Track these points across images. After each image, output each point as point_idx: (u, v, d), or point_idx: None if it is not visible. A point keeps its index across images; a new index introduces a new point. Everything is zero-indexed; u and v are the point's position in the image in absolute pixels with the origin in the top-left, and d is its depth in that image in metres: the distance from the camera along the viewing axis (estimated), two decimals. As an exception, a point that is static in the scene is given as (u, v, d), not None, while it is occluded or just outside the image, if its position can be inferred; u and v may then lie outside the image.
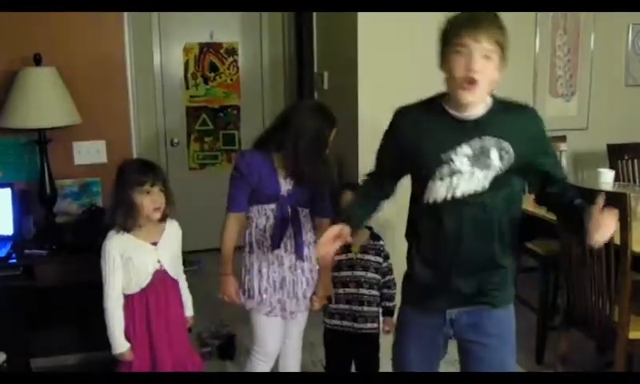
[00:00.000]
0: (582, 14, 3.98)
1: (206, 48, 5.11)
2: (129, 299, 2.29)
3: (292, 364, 2.67)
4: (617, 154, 3.92)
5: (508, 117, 1.82)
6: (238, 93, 5.25)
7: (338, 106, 3.30)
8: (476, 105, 1.78)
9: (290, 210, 2.43)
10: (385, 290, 2.64)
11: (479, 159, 1.77)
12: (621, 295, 2.59)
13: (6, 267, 2.73)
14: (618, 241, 2.54)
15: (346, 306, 2.63)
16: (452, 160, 1.78)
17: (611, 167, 3.78)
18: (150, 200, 2.24)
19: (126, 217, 2.23)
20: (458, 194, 1.79)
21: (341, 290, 2.63)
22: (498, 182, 1.78)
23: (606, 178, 3.43)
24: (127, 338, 2.28)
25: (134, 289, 2.28)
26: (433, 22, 3.50)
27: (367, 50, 3.50)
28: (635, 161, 3.90)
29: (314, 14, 4.25)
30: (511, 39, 1.75)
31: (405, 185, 1.99)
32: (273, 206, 2.42)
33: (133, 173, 2.26)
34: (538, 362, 3.28)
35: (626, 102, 4.15)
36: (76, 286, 2.71)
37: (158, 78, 5.02)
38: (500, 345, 1.93)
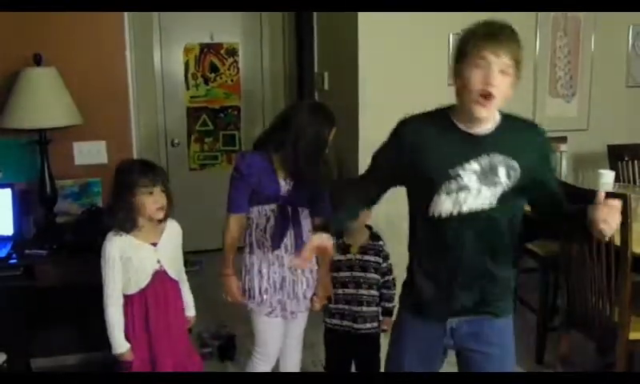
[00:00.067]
0: (583, 15, 3.98)
1: (207, 48, 5.11)
2: (128, 299, 2.29)
3: (292, 364, 2.67)
4: (617, 155, 3.92)
5: (516, 134, 1.80)
6: (238, 93, 5.25)
7: (339, 106, 3.30)
8: (487, 120, 1.76)
9: (290, 210, 2.43)
10: (384, 290, 2.64)
11: (487, 176, 1.75)
12: (621, 296, 2.59)
13: (7, 267, 2.73)
14: (618, 241, 2.54)
15: (346, 306, 2.63)
16: (460, 176, 1.75)
17: (611, 168, 3.78)
18: (152, 200, 2.24)
19: (126, 218, 2.23)
20: (465, 209, 1.77)
21: (340, 291, 2.63)
22: (504, 199, 1.77)
23: (607, 179, 3.43)
24: (127, 338, 2.28)
25: (134, 289, 2.28)
26: (433, 22, 3.55)
27: (367, 51, 3.50)
28: (635, 162, 3.90)
29: (314, 14, 4.25)
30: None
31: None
32: (273, 206, 2.42)
33: (134, 174, 2.25)
34: (538, 363, 3.28)
35: (626, 102, 4.15)
36: (76, 286, 2.71)
37: (158, 78, 5.02)
38: (502, 354, 1.93)
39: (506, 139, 1.77)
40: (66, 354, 3.26)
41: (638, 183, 3.84)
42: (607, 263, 2.61)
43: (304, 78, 4.64)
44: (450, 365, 2.06)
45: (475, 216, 1.77)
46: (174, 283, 2.39)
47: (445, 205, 1.77)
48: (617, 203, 1.67)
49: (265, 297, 2.44)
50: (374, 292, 2.62)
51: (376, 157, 1.97)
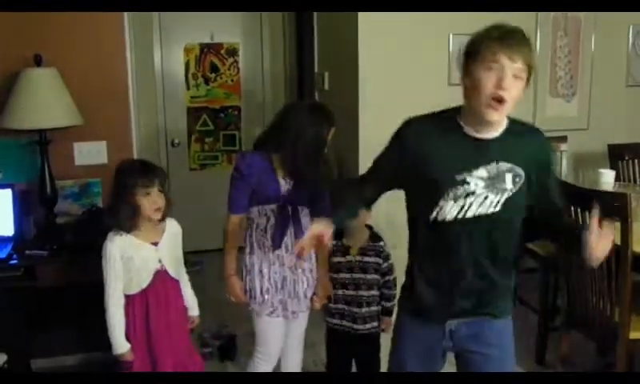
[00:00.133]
0: (583, 15, 3.98)
1: (207, 48, 5.11)
2: (129, 299, 2.29)
3: (293, 364, 2.67)
4: (617, 155, 3.92)
5: (522, 140, 1.79)
6: (238, 93, 5.25)
7: (339, 106, 3.31)
8: (496, 125, 1.74)
9: (290, 209, 2.43)
10: (385, 290, 2.63)
11: (494, 183, 1.74)
12: (621, 296, 2.59)
13: (7, 268, 2.73)
14: (618, 241, 2.54)
15: (345, 307, 2.63)
16: (466, 182, 1.74)
17: (612, 167, 3.78)
18: (149, 201, 2.24)
19: (125, 218, 2.23)
20: (469, 215, 1.76)
21: (340, 292, 2.63)
22: (507, 205, 1.76)
23: (607, 179, 3.43)
24: (127, 338, 2.29)
25: (135, 289, 2.29)
26: (433, 22, 3.55)
27: (368, 51, 3.50)
28: (636, 161, 3.90)
29: (315, 14, 4.25)
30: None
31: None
32: (273, 206, 2.42)
33: (132, 174, 2.26)
34: (539, 363, 3.27)
35: (626, 102, 4.15)
36: (76, 286, 2.72)
37: (158, 78, 5.02)
38: (501, 355, 1.92)
39: (511, 145, 1.76)
40: (66, 355, 3.26)
41: (638, 182, 3.84)
42: (607, 263, 2.60)
43: (304, 78, 4.64)
44: (450, 365, 2.06)
45: (478, 221, 1.76)
46: (175, 283, 2.39)
47: (451, 211, 1.76)
48: (610, 232, 1.69)
49: (266, 297, 2.44)
50: (374, 292, 2.61)
51: (378, 158, 1.95)
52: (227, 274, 2.47)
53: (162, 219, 2.33)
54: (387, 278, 2.63)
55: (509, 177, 1.75)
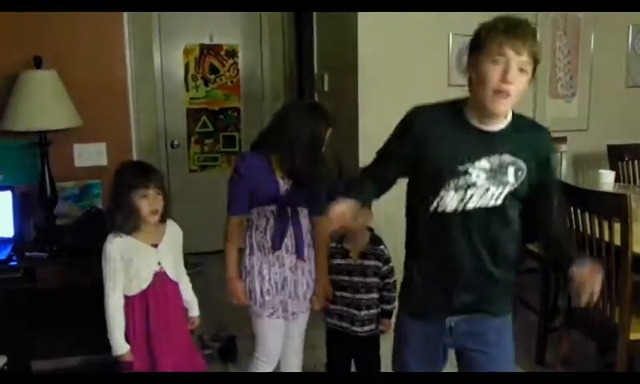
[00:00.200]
0: (582, 15, 3.98)
1: (206, 50, 5.12)
2: (129, 301, 2.29)
3: (294, 364, 2.66)
4: (617, 155, 3.92)
5: (526, 135, 1.79)
6: (238, 95, 5.25)
7: (339, 107, 3.31)
8: (501, 117, 1.74)
9: (289, 210, 2.43)
10: (385, 293, 2.62)
11: (496, 176, 1.74)
12: (621, 296, 2.59)
13: (7, 270, 2.73)
14: (618, 242, 2.54)
15: (344, 308, 2.62)
16: (468, 172, 1.73)
17: (611, 168, 3.78)
18: (146, 203, 2.24)
19: (124, 220, 2.23)
20: (470, 206, 1.75)
21: (338, 293, 2.62)
22: (509, 199, 1.76)
23: (607, 179, 3.43)
24: (127, 339, 2.28)
25: (134, 290, 2.28)
26: (433, 22, 3.55)
27: (367, 51, 3.50)
28: (635, 162, 3.90)
29: (314, 14, 4.25)
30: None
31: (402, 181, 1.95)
32: (272, 207, 2.41)
33: (130, 176, 2.26)
34: (539, 363, 3.27)
35: (626, 102, 4.15)
36: (76, 287, 2.71)
37: (158, 79, 5.02)
38: (500, 353, 1.92)
39: (516, 139, 1.76)
40: (66, 356, 3.25)
41: (638, 183, 3.85)
42: (608, 264, 2.60)
43: (304, 80, 4.64)
44: (450, 366, 2.06)
45: (479, 213, 1.76)
46: (175, 285, 2.39)
47: (451, 202, 1.76)
48: (598, 274, 1.73)
49: (267, 298, 2.44)
50: (373, 295, 2.60)
51: (384, 145, 1.94)
52: (229, 277, 2.47)
53: (162, 221, 2.33)
54: (387, 280, 2.61)
55: (511, 170, 1.75)
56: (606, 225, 2.60)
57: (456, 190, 1.75)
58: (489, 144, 1.74)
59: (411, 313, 1.96)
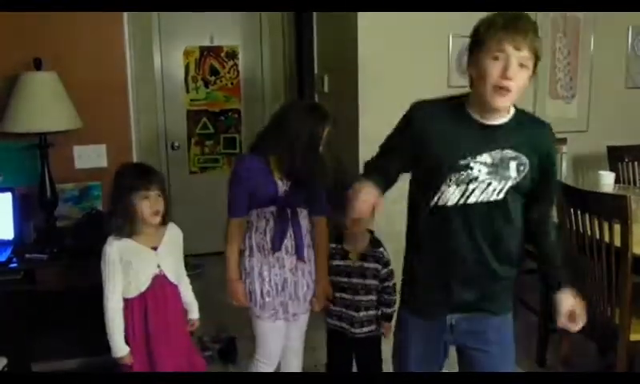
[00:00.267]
0: (582, 16, 3.97)
1: (207, 51, 5.12)
2: (128, 303, 2.29)
3: (294, 366, 2.66)
4: (617, 156, 3.92)
5: (528, 130, 1.79)
6: (238, 96, 5.25)
7: (339, 108, 3.31)
8: (503, 112, 1.74)
9: (289, 211, 2.43)
10: (384, 296, 2.62)
11: (497, 170, 1.74)
12: (622, 297, 2.59)
13: (7, 272, 2.73)
14: (618, 243, 2.54)
15: (343, 309, 2.62)
16: (470, 167, 1.73)
17: (611, 169, 3.78)
18: (148, 205, 2.24)
19: (124, 222, 2.23)
20: (471, 201, 1.75)
21: (338, 295, 2.62)
22: (510, 194, 1.76)
23: (607, 181, 3.43)
24: (127, 341, 2.28)
25: (134, 293, 2.28)
26: (433, 22, 3.54)
27: (367, 52, 3.50)
28: (635, 163, 3.90)
29: (314, 14, 4.25)
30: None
31: (403, 178, 1.93)
32: (272, 208, 2.42)
33: (130, 178, 2.26)
34: (540, 364, 3.27)
35: (626, 103, 4.15)
36: (76, 290, 2.72)
37: (158, 81, 5.02)
38: (501, 352, 1.92)
39: (518, 134, 1.76)
40: (66, 358, 3.25)
41: (638, 184, 3.84)
42: (608, 264, 2.60)
43: (304, 81, 4.65)
44: (450, 365, 2.06)
45: (480, 208, 1.76)
46: (174, 287, 2.39)
47: (452, 196, 1.75)
48: (580, 311, 1.83)
49: (267, 300, 2.44)
50: (372, 297, 2.60)
51: (386, 140, 1.94)
52: (229, 278, 2.47)
53: (163, 223, 2.33)
54: (386, 283, 2.61)
55: (513, 165, 1.74)
56: (606, 226, 2.60)
57: (457, 184, 1.75)
58: (490, 138, 1.74)
59: (412, 309, 1.96)
